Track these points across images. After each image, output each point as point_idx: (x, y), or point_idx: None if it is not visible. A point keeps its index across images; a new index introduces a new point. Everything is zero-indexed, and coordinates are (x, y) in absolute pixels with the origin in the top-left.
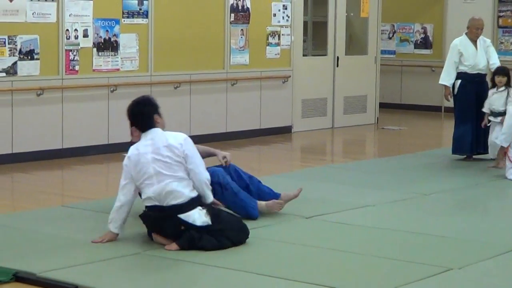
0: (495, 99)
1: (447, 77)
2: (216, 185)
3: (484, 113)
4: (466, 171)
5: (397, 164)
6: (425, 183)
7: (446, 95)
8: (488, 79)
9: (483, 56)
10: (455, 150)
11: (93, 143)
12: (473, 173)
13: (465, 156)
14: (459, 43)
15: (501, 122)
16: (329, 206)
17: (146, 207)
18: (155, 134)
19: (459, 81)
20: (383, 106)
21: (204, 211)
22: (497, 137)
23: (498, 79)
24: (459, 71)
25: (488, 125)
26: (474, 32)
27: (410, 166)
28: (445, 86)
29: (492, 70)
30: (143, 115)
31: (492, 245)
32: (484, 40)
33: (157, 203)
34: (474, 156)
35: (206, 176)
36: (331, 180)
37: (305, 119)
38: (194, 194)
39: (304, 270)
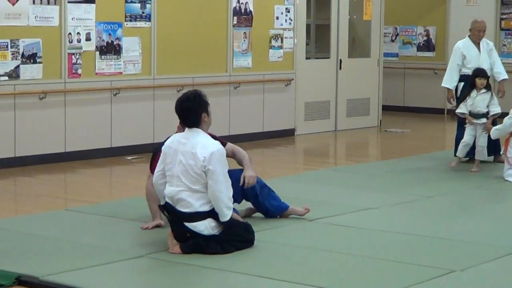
0: (479, 101)
1: (450, 80)
2: None
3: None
4: (468, 174)
5: (400, 167)
6: (428, 186)
7: (449, 98)
8: (495, 87)
9: (486, 59)
10: (457, 153)
11: (96, 147)
12: (475, 175)
13: (467, 158)
14: (462, 46)
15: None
16: (332, 209)
17: (165, 201)
18: (193, 135)
19: (462, 84)
20: (386, 108)
21: (213, 224)
22: (481, 144)
23: (480, 81)
24: (462, 73)
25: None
26: (476, 34)
27: (413, 169)
28: (448, 89)
29: (498, 79)
30: (191, 112)
31: (495, 247)
32: (487, 43)
33: (170, 202)
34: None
35: (227, 195)
36: (334, 183)
37: (308, 122)
38: (205, 208)
39: (307, 272)
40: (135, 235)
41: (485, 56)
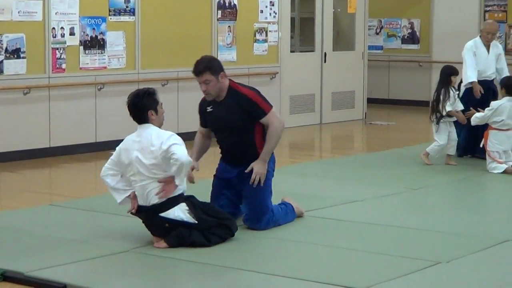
0: (457, 100)
1: (473, 73)
2: None
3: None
4: (453, 166)
5: (386, 159)
6: (414, 178)
7: (477, 91)
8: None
9: (493, 60)
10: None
11: (81, 142)
12: (461, 168)
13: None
14: (474, 44)
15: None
16: (318, 202)
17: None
18: (143, 131)
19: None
20: (371, 101)
21: (186, 209)
22: (455, 138)
23: (455, 79)
24: None
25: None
26: (485, 36)
27: (398, 161)
28: (473, 82)
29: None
30: (137, 109)
31: (480, 239)
32: (497, 46)
33: (142, 203)
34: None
35: (187, 159)
36: (319, 176)
37: (293, 115)
38: (174, 193)
39: (294, 265)
40: (121, 229)
41: (493, 58)
